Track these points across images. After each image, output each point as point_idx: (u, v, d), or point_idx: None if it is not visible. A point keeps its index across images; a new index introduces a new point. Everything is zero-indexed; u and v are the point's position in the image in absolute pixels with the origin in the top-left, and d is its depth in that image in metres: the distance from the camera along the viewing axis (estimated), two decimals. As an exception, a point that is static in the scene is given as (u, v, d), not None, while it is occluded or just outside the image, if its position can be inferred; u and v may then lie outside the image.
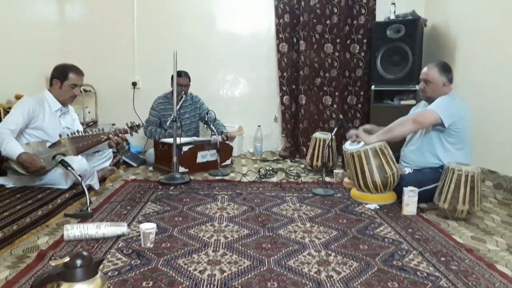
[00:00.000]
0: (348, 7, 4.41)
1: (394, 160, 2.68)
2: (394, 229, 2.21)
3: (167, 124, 3.24)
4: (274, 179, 3.37)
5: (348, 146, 2.79)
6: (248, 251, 1.88)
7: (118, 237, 1.99)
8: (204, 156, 3.60)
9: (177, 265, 1.71)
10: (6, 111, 2.73)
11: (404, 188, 2.49)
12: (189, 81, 3.93)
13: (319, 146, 3.58)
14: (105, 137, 2.74)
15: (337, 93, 4.52)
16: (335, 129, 3.18)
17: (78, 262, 1.15)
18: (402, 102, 3.94)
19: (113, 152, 3.16)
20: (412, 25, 3.84)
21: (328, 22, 4.41)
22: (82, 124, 3.52)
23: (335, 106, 4.54)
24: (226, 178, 3.37)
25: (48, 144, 2.51)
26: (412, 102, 3.76)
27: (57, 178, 2.50)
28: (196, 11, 4.55)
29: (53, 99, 2.65)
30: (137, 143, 4.47)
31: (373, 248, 1.95)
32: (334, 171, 3.35)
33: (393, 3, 4.03)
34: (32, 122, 2.52)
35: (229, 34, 4.60)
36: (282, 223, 2.28)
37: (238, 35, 4.61)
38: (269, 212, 2.48)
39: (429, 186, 2.56)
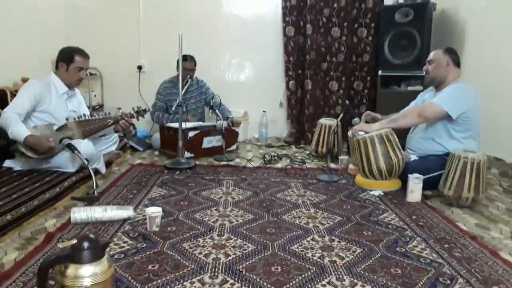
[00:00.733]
0: (356, -10, 4.34)
1: (400, 147, 2.67)
2: (398, 216, 2.22)
3: (173, 108, 3.24)
4: (279, 165, 3.37)
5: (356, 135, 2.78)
6: (253, 236, 1.90)
7: (124, 220, 2.02)
8: (209, 142, 3.61)
9: (183, 249, 1.74)
10: (13, 94, 2.74)
11: (409, 175, 2.48)
12: (195, 65, 3.91)
13: (324, 132, 3.56)
14: (112, 121, 2.75)
15: (343, 79, 4.48)
16: (341, 115, 3.17)
17: (85, 244, 1.17)
18: (409, 88, 3.90)
19: (119, 136, 3.17)
20: (421, 9, 3.77)
21: (335, 5, 4.34)
22: (89, 107, 3.53)
23: (341, 91, 4.51)
24: (231, 163, 3.39)
25: (55, 127, 2.52)
26: (419, 88, 3.72)
27: (64, 162, 2.52)
28: (202, -7, 4.50)
29: (59, 82, 2.65)
30: (143, 128, 4.47)
31: (377, 234, 1.96)
32: (339, 157, 3.35)
33: (403, -13, 3.96)
34: (39, 105, 2.52)
35: (235, 17, 4.56)
36: (287, 209, 2.29)
37: (244, 18, 4.56)
38: (273, 197, 2.50)
39: (434, 173, 2.55)
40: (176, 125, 3.29)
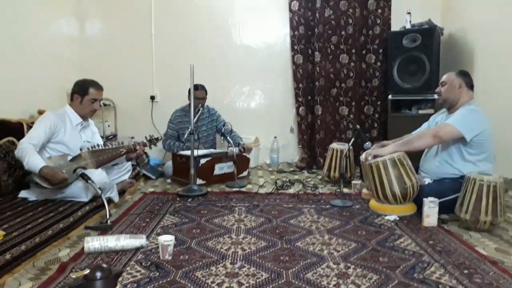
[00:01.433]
0: (363, 18, 4.41)
1: (414, 170, 2.64)
2: (415, 241, 2.17)
3: (185, 136, 3.28)
4: (291, 191, 3.35)
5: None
6: (266, 264, 1.87)
7: (137, 249, 2.01)
8: (221, 168, 3.62)
9: (195, 278, 1.72)
10: (29, 126, 2.81)
11: (424, 199, 2.44)
12: (206, 94, 3.98)
13: (336, 157, 3.55)
14: (125, 150, 2.79)
15: (353, 103, 4.50)
16: (352, 139, 3.16)
17: (98, 274, 1.17)
18: (420, 112, 3.89)
19: (133, 165, 3.21)
20: (428, 34, 3.81)
21: (343, 33, 4.42)
22: (102, 137, 3.59)
23: (351, 116, 4.52)
24: (243, 189, 3.38)
25: (69, 158, 2.57)
26: (431, 111, 3.71)
27: (77, 191, 2.56)
28: (212, 24, 4.63)
29: (74, 114, 2.72)
30: (155, 156, 4.52)
31: (393, 260, 1.92)
32: (352, 182, 3.32)
33: (409, 13, 4.02)
34: (54, 136, 2.58)
35: (244, 47, 4.67)
36: (300, 235, 2.26)
37: (253, 48, 4.67)
38: (286, 224, 2.47)
39: (449, 196, 2.51)
40: (188, 152, 3.32)
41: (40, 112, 3.13)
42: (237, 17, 4.64)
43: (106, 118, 4.50)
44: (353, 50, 4.44)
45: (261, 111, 4.75)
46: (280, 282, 1.67)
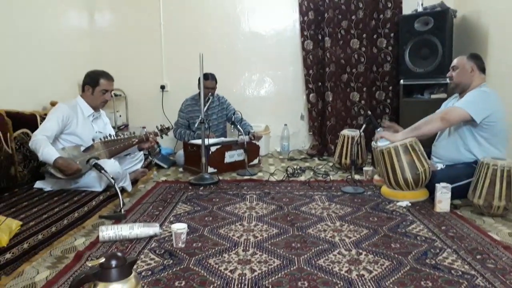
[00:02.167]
0: (373, 1, 4.34)
1: (426, 156, 2.61)
2: (427, 227, 2.16)
3: (195, 125, 3.29)
4: (302, 178, 3.36)
5: (377, 143, 2.75)
6: (278, 250, 1.88)
7: (150, 237, 2.04)
8: (231, 156, 3.63)
9: (208, 265, 1.74)
10: (43, 117, 2.85)
11: (437, 185, 2.43)
12: (216, 83, 3.97)
13: (347, 144, 3.53)
14: (137, 140, 2.82)
15: (364, 89, 4.45)
16: (364, 125, 3.14)
17: (113, 262, 1.19)
18: (433, 96, 3.83)
19: (144, 154, 3.24)
20: (441, 16, 3.73)
21: (353, 17, 4.35)
22: (114, 128, 3.63)
23: (363, 102, 4.48)
24: (254, 177, 3.39)
25: (82, 149, 2.60)
26: (443, 95, 3.66)
27: (91, 181, 2.60)
28: (221, 12, 4.60)
29: (85, 105, 2.74)
30: (167, 145, 4.55)
31: (405, 246, 1.92)
32: (364, 168, 3.31)
33: (421, -5, 3.93)
34: (66, 128, 2.62)
35: (254, 34, 4.63)
36: (311, 222, 2.27)
37: (262, 35, 4.63)
38: (297, 211, 2.48)
39: (462, 181, 2.48)
40: (199, 141, 3.34)
41: (53, 104, 3.16)
42: (246, 4, 4.60)
43: (117, 108, 4.53)
44: (364, 35, 4.37)
45: (271, 98, 4.73)
46: (292, 269, 1.69)
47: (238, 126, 3.64)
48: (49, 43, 3.56)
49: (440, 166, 2.70)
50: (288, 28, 4.59)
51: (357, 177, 3.13)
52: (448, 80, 2.78)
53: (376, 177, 3.07)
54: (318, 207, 2.55)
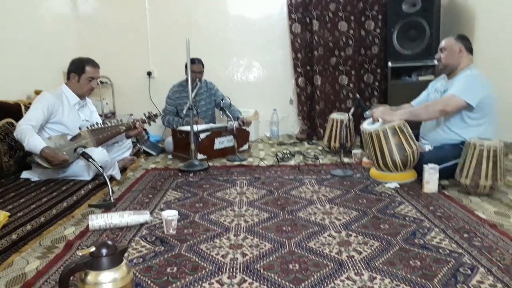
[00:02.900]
0: (361, -17, 4.30)
1: (414, 138, 2.64)
2: (415, 207, 2.20)
3: (184, 112, 3.27)
4: (292, 162, 3.37)
5: (366, 126, 2.76)
6: (269, 234, 1.90)
7: (141, 225, 2.04)
8: (221, 142, 3.62)
9: (200, 250, 1.75)
10: (27, 107, 2.80)
11: (424, 166, 2.45)
12: (203, 67, 3.93)
13: (336, 127, 3.54)
14: (124, 128, 2.78)
15: (353, 72, 4.45)
16: (352, 109, 3.15)
17: (104, 251, 1.19)
18: (421, 78, 3.85)
19: (133, 142, 3.21)
20: (428, -2, 3.72)
21: (341, -1, 4.31)
22: (101, 115, 3.58)
23: (351, 85, 4.48)
24: (244, 163, 3.39)
25: (69, 137, 2.56)
26: (431, 77, 3.67)
27: (79, 170, 2.57)
28: (207, -4, 4.52)
29: (71, 93, 2.69)
30: (155, 132, 4.52)
31: (394, 227, 1.94)
32: (353, 151, 3.32)
33: (408, -24, 3.91)
34: (52, 117, 2.57)
35: (241, 18, 4.57)
36: (302, 206, 2.28)
37: (250, 19, 4.57)
38: (288, 195, 2.49)
39: (450, 162, 2.52)
40: (187, 128, 3.31)
41: (37, 93, 3.11)
42: (232, -13, 4.53)
43: (103, 96, 4.46)
44: (352, 17, 4.34)
45: (260, 83, 4.70)
46: (283, 252, 1.70)
47: (227, 111, 3.62)
48: (31, 30, 3.47)
49: (428, 147, 2.73)
50: (276, 12, 4.53)
51: (346, 160, 3.16)
52: (436, 62, 2.79)
53: (365, 159, 3.10)
54: (308, 190, 2.57)
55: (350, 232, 1.89)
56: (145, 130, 3.07)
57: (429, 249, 1.69)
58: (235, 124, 3.54)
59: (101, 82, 4.32)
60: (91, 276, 1.18)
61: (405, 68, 3.96)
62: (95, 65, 2.72)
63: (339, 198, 2.40)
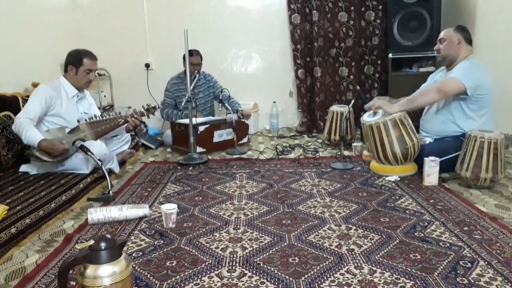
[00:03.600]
0: (361, -27, 4.25)
1: (414, 130, 2.62)
2: (416, 200, 2.19)
3: (182, 104, 3.24)
4: (291, 155, 3.35)
5: (366, 118, 2.74)
6: (269, 228, 1.89)
7: (140, 218, 2.03)
8: (220, 135, 3.60)
9: (200, 244, 1.74)
10: (25, 99, 2.77)
11: (425, 159, 2.44)
12: (201, 59, 3.90)
13: (336, 120, 3.52)
14: (123, 121, 2.77)
15: (353, 64, 4.42)
16: (353, 101, 3.13)
17: (103, 244, 1.18)
18: (421, 70, 3.82)
19: (131, 135, 3.19)
20: (429, -12, 3.68)
21: (341, -11, 4.27)
22: (99, 108, 3.55)
23: (351, 77, 4.45)
24: (244, 156, 3.38)
25: (67, 130, 2.55)
26: (432, 69, 3.64)
27: (78, 163, 2.55)
28: (205, -13, 4.47)
29: (69, 85, 2.67)
30: (154, 125, 4.50)
31: (394, 220, 1.94)
32: (353, 144, 3.31)
33: (409, -34, 3.86)
34: (50, 109, 2.55)
35: (239, 9, 4.52)
36: (301, 199, 2.28)
37: (249, 9, 4.52)
38: (287, 188, 2.48)
39: (450, 155, 2.50)
40: (186, 121, 3.29)
41: (34, 85, 3.08)
42: (231, -22, 4.48)
43: (101, 88, 4.42)
44: (352, 8, 4.30)
45: (259, 75, 4.66)
46: (283, 245, 1.70)
47: (226, 104, 3.59)
48: (28, 21, 3.43)
49: (428, 140, 2.71)
50: (275, 2, 4.48)
51: (346, 153, 3.14)
52: (436, 53, 2.76)
53: (365, 152, 3.09)
54: (308, 184, 2.56)
55: (350, 226, 1.89)
56: (143, 123, 3.05)
57: (429, 242, 1.68)
58: (234, 116, 3.52)
59: (99, 74, 4.29)
60: (90, 270, 1.17)
61: (406, 59, 3.93)
62: (92, 57, 2.69)
63: (339, 191, 2.39)
